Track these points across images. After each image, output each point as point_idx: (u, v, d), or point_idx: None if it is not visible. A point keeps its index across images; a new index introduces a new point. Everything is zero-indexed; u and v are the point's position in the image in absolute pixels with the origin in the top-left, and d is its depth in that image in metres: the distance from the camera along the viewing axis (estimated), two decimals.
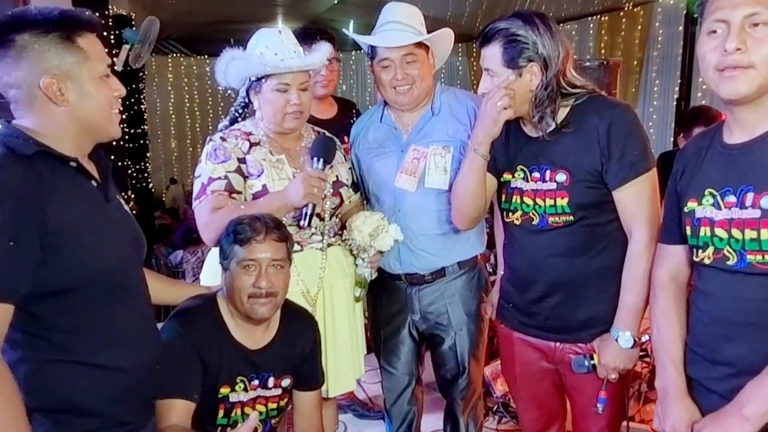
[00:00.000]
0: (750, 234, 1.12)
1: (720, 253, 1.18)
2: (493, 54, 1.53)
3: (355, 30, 1.99)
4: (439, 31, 1.85)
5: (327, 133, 1.93)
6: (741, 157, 1.17)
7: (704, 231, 1.21)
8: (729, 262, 1.17)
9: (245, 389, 1.60)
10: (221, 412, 1.60)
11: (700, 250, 1.23)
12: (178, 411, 1.48)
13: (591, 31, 6.36)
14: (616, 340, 1.52)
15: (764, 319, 1.13)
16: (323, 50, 1.84)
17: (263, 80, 1.75)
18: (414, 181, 1.86)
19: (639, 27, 5.92)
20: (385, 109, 2.00)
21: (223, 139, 1.78)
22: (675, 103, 5.64)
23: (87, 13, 1.22)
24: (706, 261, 1.22)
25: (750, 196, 1.13)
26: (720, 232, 1.18)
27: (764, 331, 1.13)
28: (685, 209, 1.26)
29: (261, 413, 1.65)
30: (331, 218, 1.86)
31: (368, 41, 1.87)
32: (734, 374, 1.17)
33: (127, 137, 5.57)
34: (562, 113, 1.55)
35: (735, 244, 1.15)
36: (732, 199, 1.16)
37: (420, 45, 1.84)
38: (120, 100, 1.27)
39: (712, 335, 1.22)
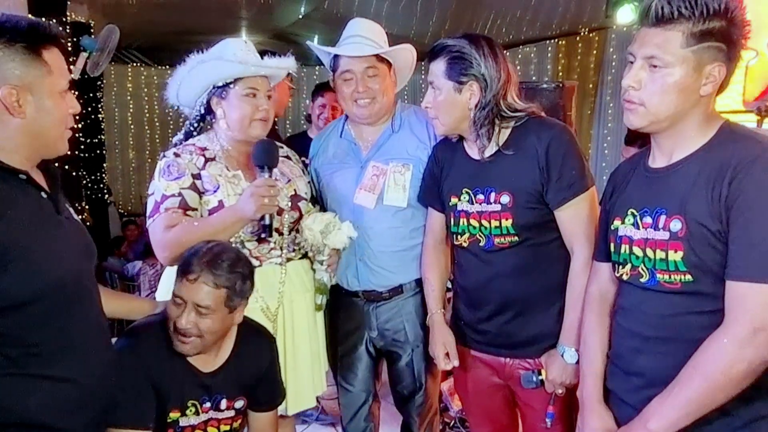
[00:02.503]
0: (660, 254, 1.19)
1: (636, 270, 1.25)
2: (438, 68, 1.59)
3: (320, 44, 2.01)
4: (400, 45, 1.89)
5: (265, 138, 1.83)
6: (658, 181, 1.24)
7: (624, 248, 1.28)
8: (642, 280, 1.24)
9: (196, 413, 1.57)
10: None
11: (620, 266, 1.30)
12: None
13: (549, 54, 6.54)
14: (562, 355, 1.57)
15: (670, 334, 1.21)
16: (291, 58, 1.84)
17: (230, 86, 1.73)
18: (373, 197, 1.87)
19: (594, 52, 6.13)
20: (345, 124, 2.01)
21: (176, 155, 1.74)
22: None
23: (54, 26, 1.21)
24: (625, 277, 1.29)
25: (662, 219, 1.20)
26: (637, 250, 1.25)
27: (670, 345, 1.20)
28: (611, 227, 1.33)
29: None
30: (290, 233, 1.84)
31: (330, 50, 1.89)
32: (644, 386, 1.24)
33: (82, 147, 5.42)
34: (504, 135, 1.60)
35: (648, 262, 1.22)
36: (648, 220, 1.23)
37: (382, 60, 1.87)
38: (73, 117, 1.26)
39: (627, 348, 1.29)
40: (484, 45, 1.57)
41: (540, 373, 1.62)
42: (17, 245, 1.11)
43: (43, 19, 1.22)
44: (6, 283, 1.10)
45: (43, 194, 1.22)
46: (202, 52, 1.78)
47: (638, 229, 1.25)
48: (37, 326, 1.17)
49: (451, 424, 2.85)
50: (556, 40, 6.48)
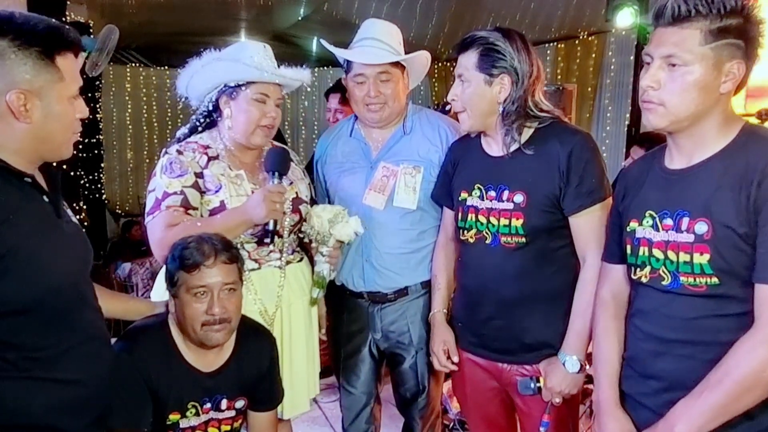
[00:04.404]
0: (684, 257, 1.18)
1: (656, 272, 1.24)
2: (468, 60, 1.56)
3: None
4: (416, 53, 1.87)
5: (279, 145, 1.89)
6: (679, 183, 1.23)
7: (643, 251, 1.26)
8: (663, 282, 1.22)
9: (197, 414, 1.56)
10: None
11: (638, 269, 1.28)
12: None
13: (548, 58, 6.55)
14: (564, 364, 1.55)
15: (693, 337, 1.19)
16: (307, 71, 1.82)
17: (242, 87, 1.71)
18: (382, 198, 1.86)
19: (593, 55, 6.14)
20: (355, 124, 1.99)
21: (179, 152, 1.72)
22: (626, 128, 5.87)
23: (72, 30, 1.18)
24: (644, 280, 1.27)
25: (685, 221, 1.18)
26: (657, 252, 1.23)
27: (691, 348, 1.19)
28: (627, 229, 1.31)
29: None
30: (289, 235, 1.83)
31: (345, 55, 1.88)
32: (663, 389, 1.23)
33: (80, 147, 5.40)
34: (526, 134, 1.58)
35: (670, 265, 1.21)
36: (669, 222, 1.22)
37: (396, 64, 1.85)
38: (80, 121, 1.24)
39: (645, 351, 1.27)
40: (517, 38, 1.55)
41: (538, 380, 1.59)
42: (18, 251, 1.10)
43: (61, 24, 1.19)
44: (4, 289, 1.09)
45: (45, 198, 1.21)
46: (205, 52, 1.75)
47: (658, 231, 1.23)
48: (36, 331, 1.15)
49: (450, 426, 2.83)
50: (555, 43, 6.49)
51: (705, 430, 1.14)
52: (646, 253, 1.25)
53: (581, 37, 6.24)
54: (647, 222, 1.26)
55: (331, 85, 3.73)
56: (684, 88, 1.15)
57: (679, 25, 1.15)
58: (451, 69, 8.22)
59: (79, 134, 1.25)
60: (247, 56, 1.70)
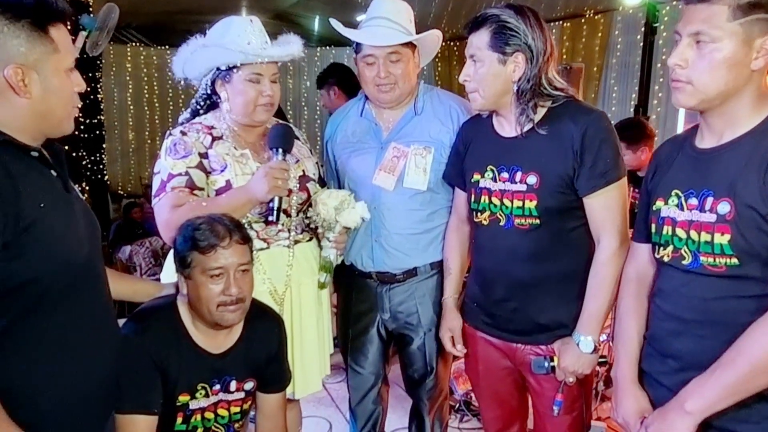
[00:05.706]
0: (705, 237, 1.17)
1: (678, 252, 1.23)
2: (480, 39, 1.52)
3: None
4: (427, 32, 1.84)
5: (283, 122, 1.88)
6: (706, 162, 1.21)
7: (666, 230, 1.25)
8: (684, 262, 1.22)
9: (206, 395, 1.56)
10: (180, 419, 1.55)
11: (661, 248, 1.28)
12: (141, 427, 1.44)
13: (554, 37, 6.48)
14: (578, 344, 1.55)
15: (710, 318, 1.19)
16: (297, 42, 1.78)
17: (234, 70, 1.69)
18: (392, 179, 1.84)
19: (599, 34, 6.07)
20: (365, 104, 1.96)
21: (183, 133, 1.71)
22: (633, 109, 5.82)
23: (61, 1, 1.15)
24: (666, 259, 1.26)
25: (709, 201, 1.17)
26: (680, 232, 1.22)
27: (709, 328, 1.19)
28: (653, 207, 1.30)
29: (223, 417, 1.61)
30: (297, 214, 1.82)
31: (354, 36, 1.84)
32: (681, 368, 1.23)
33: (82, 127, 5.37)
34: (540, 114, 1.55)
35: (691, 245, 1.20)
36: (694, 201, 1.20)
37: (407, 44, 1.82)
38: (78, 95, 1.22)
39: (665, 330, 1.28)
40: (530, 15, 1.51)
41: (552, 360, 1.59)
42: (34, 224, 1.09)
43: None
44: (20, 263, 1.08)
45: (53, 172, 1.20)
46: (205, 32, 1.73)
47: (682, 210, 1.22)
48: (49, 308, 1.14)
49: (456, 407, 2.85)
50: (561, 22, 6.41)
51: (716, 408, 1.14)
52: (670, 233, 1.24)
53: (587, 16, 6.16)
54: (672, 201, 1.25)
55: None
56: (713, 65, 1.13)
57: (707, 1, 1.12)
58: (455, 49, 8.14)
59: (78, 109, 1.23)
60: (232, 38, 1.67)
